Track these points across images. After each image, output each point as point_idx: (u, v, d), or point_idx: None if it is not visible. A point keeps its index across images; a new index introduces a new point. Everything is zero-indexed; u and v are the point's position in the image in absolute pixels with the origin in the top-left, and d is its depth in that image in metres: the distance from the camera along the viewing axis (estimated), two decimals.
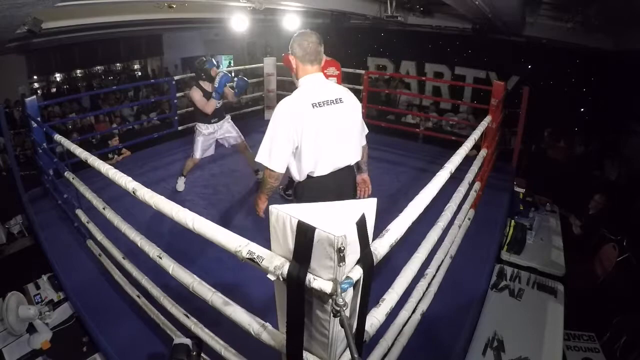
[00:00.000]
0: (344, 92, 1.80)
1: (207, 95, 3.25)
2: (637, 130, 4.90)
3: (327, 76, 3.02)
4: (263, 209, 1.90)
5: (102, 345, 2.01)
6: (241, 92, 3.49)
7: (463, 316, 2.20)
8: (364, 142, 1.97)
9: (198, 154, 3.44)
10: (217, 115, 3.37)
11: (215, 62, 3.34)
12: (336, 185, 1.80)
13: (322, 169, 1.75)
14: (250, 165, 3.74)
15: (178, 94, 4.86)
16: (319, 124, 1.67)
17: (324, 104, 1.69)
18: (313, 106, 1.66)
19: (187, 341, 1.49)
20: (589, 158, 5.09)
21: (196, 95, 3.22)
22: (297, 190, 1.85)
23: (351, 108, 1.80)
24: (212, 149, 3.53)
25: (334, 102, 1.72)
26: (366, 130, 1.97)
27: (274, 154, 1.67)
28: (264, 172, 1.77)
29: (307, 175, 1.76)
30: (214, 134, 3.45)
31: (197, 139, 3.40)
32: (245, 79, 3.45)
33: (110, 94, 8.70)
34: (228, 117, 3.55)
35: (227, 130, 3.51)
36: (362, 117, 1.89)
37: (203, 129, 3.37)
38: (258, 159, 1.71)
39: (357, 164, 1.95)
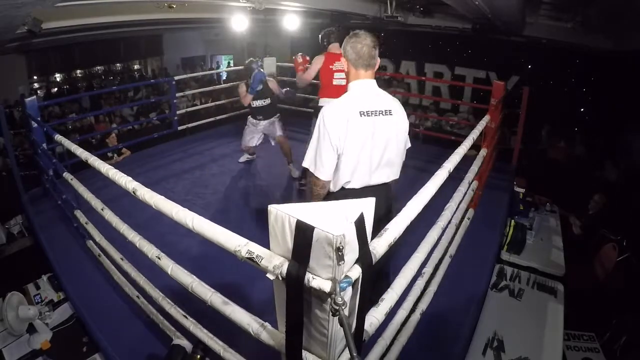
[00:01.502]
0: (395, 104, 1.66)
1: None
2: (637, 130, 4.89)
3: (335, 71, 3.03)
4: None
5: (102, 345, 2.01)
6: (258, 85, 3.72)
7: (463, 316, 2.20)
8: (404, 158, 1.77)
9: (243, 142, 4.03)
10: (262, 113, 3.84)
11: (261, 63, 3.88)
12: None
13: (357, 182, 1.64)
14: (285, 157, 3.99)
15: (178, 94, 4.85)
16: (364, 134, 1.55)
17: (372, 114, 1.56)
18: (360, 114, 1.54)
19: (186, 344, 1.49)
20: (589, 158, 5.09)
21: (241, 89, 3.81)
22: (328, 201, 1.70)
23: (400, 122, 1.65)
24: (258, 140, 4.02)
25: (383, 113, 1.59)
26: (409, 144, 1.76)
27: (319, 160, 1.58)
28: (311, 180, 1.67)
29: (342, 187, 1.65)
30: (258, 127, 3.93)
31: (245, 129, 4.00)
32: (262, 70, 3.74)
33: (110, 94, 8.70)
34: (276, 118, 3.92)
35: (270, 129, 3.92)
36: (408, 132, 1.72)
37: (250, 121, 3.93)
38: (304, 164, 1.64)
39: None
